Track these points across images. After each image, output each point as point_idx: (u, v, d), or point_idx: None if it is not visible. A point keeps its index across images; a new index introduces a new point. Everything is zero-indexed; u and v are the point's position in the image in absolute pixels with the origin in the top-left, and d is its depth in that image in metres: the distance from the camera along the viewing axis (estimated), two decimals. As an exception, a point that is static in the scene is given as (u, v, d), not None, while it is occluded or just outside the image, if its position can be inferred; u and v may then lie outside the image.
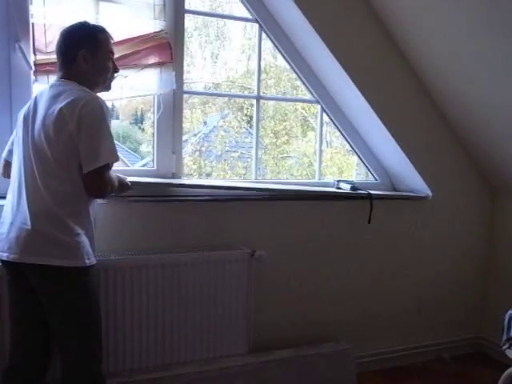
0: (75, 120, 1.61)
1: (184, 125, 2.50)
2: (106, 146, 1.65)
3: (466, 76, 2.57)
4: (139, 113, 2.92)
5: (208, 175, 3.17)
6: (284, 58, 2.70)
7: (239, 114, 3.29)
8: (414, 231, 2.88)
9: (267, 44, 2.71)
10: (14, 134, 1.83)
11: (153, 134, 2.42)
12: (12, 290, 1.77)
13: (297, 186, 2.68)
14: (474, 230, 3.08)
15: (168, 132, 2.40)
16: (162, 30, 2.26)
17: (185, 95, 2.50)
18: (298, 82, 2.85)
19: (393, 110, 2.70)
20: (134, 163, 2.85)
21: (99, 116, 1.65)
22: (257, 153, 2.68)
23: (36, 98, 1.75)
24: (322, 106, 2.80)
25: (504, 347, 2.17)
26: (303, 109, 3.28)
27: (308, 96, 2.82)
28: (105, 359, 2.08)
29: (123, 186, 1.92)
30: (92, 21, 2.14)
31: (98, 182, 1.66)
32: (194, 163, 3.17)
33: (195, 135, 3.35)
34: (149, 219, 2.26)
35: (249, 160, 2.81)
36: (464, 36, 2.38)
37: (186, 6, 2.41)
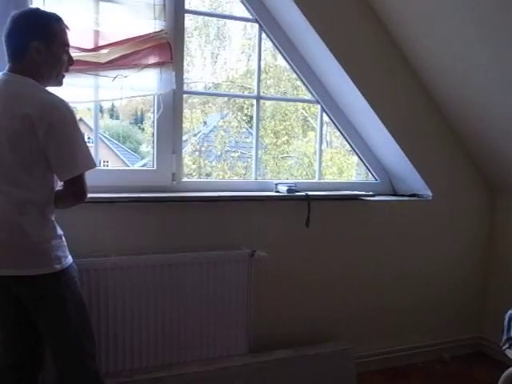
0: (45, 126, 1.54)
1: (184, 125, 2.50)
2: (82, 152, 1.62)
3: (466, 76, 2.57)
4: (139, 113, 2.92)
5: (208, 175, 3.17)
6: (284, 58, 2.70)
7: (239, 113, 3.29)
8: (413, 231, 2.88)
9: (267, 44, 2.72)
10: None
11: (153, 134, 2.42)
12: None
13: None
14: (473, 229, 3.08)
15: (168, 132, 2.40)
16: (161, 30, 2.26)
17: (185, 95, 2.50)
18: (298, 82, 2.85)
19: (393, 110, 2.70)
20: (133, 163, 2.85)
21: (71, 122, 1.60)
22: (257, 153, 2.69)
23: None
24: (321, 106, 2.80)
25: (504, 347, 2.17)
26: (303, 109, 3.28)
27: (308, 96, 2.83)
28: (105, 359, 2.09)
29: None
30: (92, 21, 2.15)
31: (78, 189, 1.63)
32: (193, 163, 3.18)
33: (195, 135, 3.35)
34: (149, 219, 2.26)
35: (249, 160, 2.81)
36: (464, 36, 2.38)
37: (186, 6, 2.41)
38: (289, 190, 2.49)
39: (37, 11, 1.69)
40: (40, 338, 1.75)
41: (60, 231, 1.70)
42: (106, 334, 2.08)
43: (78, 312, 1.70)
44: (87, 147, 1.65)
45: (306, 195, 2.49)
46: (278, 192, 2.56)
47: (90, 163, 1.64)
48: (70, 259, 1.72)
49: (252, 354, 2.36)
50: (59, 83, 1.75)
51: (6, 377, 1.74)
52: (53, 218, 1.68)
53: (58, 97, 1.62)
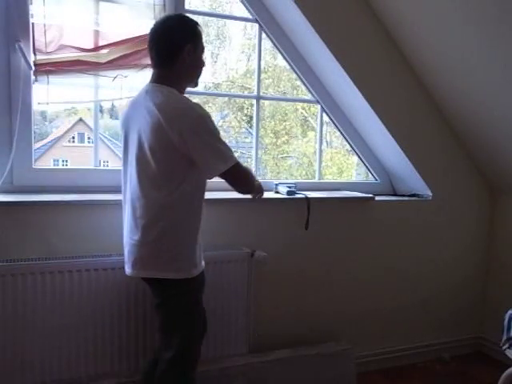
0: (179, 129, 1.61)
1: (184, 125, 2.50)
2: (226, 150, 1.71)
3: (466, 76, 2.57)
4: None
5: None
6: (284, 57, 2.70)
7: (239, 113, 3.29)
8: (414, 231, 2.88)
9: (267, 44, 2.72)
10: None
11: (153, 134, 2.41)
12: None
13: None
14: (473, 229, 3.08)
15: (168, 132, 2.39)
16: (162, 30, 2.26)
17: (185, 95, 2.50)
18: (298, 82, 2.85)
19: (393, 110, 2.70)
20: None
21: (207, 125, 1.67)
22: (257, 153, 2.69)
23: (133, 103, 1.78)
24: (322, 106, 2.80)
25: (504, 347, 2.17)
26: (303, 109, 3.28)
27: (308, 96, 2.83)
28: (104, 359, 2.09)
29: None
30: (92, 21, 2.16)
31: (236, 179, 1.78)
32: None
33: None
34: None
35: (249, 160, 2.81)
36: (464, 36, 2.38)
37: (186, 6, 2.41)
38: (289, 192, 2.49)
39: (184, 16, 1.83)
40: None
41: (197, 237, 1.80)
42: (105, 334, 2.08)
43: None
44: (225, 146, 1.70)
45: (306, 198, 2.46)
46: (278, 193, 2.56)
47: (234, 158, 1.72)
48: (198, 269, 1.81)
49: (252, 353, 2.36)
50: (196, 85, 1.87)
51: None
52: (192, 223, 1.78)
53: (195, 105, 1.69)
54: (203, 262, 1.83)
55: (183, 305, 1.77)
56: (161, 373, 1.78)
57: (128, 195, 1.76)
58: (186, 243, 1.73)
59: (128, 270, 1.78)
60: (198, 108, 1.66)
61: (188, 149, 1.63)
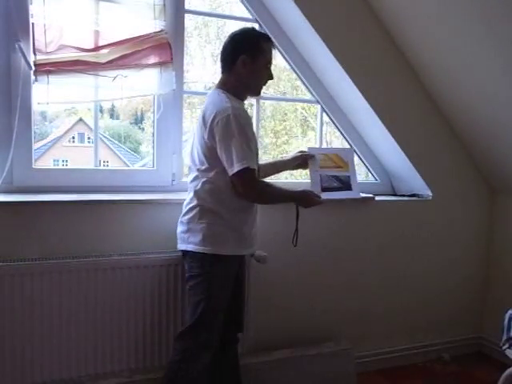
0: (210, 130, 1.84)
1: (184, 125, 2.50)
2: (236, 154, 1.80)
3: (466, 76, 2.57)
4: (139, 113, 2.91)
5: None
6: (284, 58, 2.70)
7: (239, 113, 3.28)
8: (414, 231, 2.88)
9: (267, 44, 2.71)
10: None
11: (153, 134, 2.42)
12: None
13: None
14: (473, 229, 3.08)
15: (168, 132, 2.40)
16: (162, 30, 2.26)
17: (185, 95, 2.50)
18: (298, 82, 2.85)
19: (393, 110, 2.70)
20: (133, 163, 2.85)
21: (229, 128, 1.80)
22: (257, 153, 2.68)
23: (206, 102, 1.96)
24: (321, 106, 2.80)
25: (504, 347, 2.16)
26: (303, 109, 3.28)
27: (308, 96, 2.83)
28: (104, 359, 2.09)
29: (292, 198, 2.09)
30: (92, 21, 2.16)
31: (239, 185, 1.85)
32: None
33: (195, 135, 3.34)
34: (148, 220, 2.26)
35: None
36: (464, 35, 2.38)
37: (186, 6, 2.41)
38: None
39: (250, 30, 2.01)
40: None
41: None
42: (104, 334, 2.08)
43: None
44: (244, 150, 1.81)
45: (296, 209, 2.16)
46: None
47: (249, 163, 1.81)
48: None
49: (252, 353, 2.36)
50: (258, 94, 2.04)
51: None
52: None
53: (233, 106, 1.84)
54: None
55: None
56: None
57: None
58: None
59: None
60: (230, 109, 1.81)
61: (215, 145, 1.84)
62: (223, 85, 1.95)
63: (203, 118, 1.88)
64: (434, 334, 3.00)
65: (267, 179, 2.18)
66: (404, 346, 2.91)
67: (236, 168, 1.80)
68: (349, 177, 2.38)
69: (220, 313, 1.94)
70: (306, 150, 2.38)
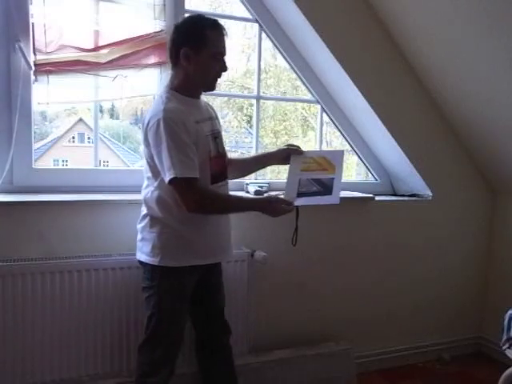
0: (144, 134, 1.74)
1: (184, 125, 2.49)
2: (168, 161, 1.66)
3: (466, 76, 2.57)
4: (139, 113, 2.91)
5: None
6: (284, 58, 2.70)
7: (239, 113, 3.28)
8: (413, 231, 2.88)
9: (267, 44, 2.71)
10: None
11: (153, 134, 2.41)
12: None
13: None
14: (474, 230, 3.08)
15: (168, 132, 2.39)
16: (161, 30, 2.26)
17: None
18: (298, 82, 2.85)
19: (393, 110, 2.70)
20: (133, 163, 2.85)
21: (161, 132, 1.65)
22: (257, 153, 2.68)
23: None
24: (322, 106, 2.80)
25: (504, 347, 2.16)
26: (303, 109, 3.27)
27: (308, 96, 2.83)
28: (104, 359, 2.09)
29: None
30: (92, 21, 2.15)
31: (178, 196, 1.70)
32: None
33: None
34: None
35: (249, 160, 2.81)
36: (464, 35, 2.38)
37: (186, 6, 2.41)
38: (256, 192, 2.40)
39: (193, 18, 1.77)
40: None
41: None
42: (105, 334, 2.08)
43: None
44: (176, 157, 1.64)
45: (296, 208, 1.99)
46: (248, 193, 2.48)
47: (177, 172, 1.64)
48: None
49: (252, 353, 2.36)
50: (211, 88, 1.81)
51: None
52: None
53: (165, 108, 1.68)
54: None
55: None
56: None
57: None
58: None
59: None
60: (162, 112, 1.65)
61: (151, 152, 1.71)
62: (171, 83, 1.79)
63: (143, 123, 1.77)
64: (433, 334, 3.00)
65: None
66: (404, 345, 2.91)
67: (167, 178, 1.65)
68: (333, 179, 2.03)
69: (174, 327, 1.82)
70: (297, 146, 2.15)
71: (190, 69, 1.72)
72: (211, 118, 1.87)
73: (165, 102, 1.70)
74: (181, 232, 1.77)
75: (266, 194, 2.29)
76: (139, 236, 1.86)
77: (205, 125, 1.79)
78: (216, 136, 1.85)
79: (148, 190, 1.80)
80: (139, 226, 1.86)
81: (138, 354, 1.87)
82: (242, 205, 1.89)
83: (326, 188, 2.02)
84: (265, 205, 1.87)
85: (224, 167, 1.90)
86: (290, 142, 2.87)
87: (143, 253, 1.83)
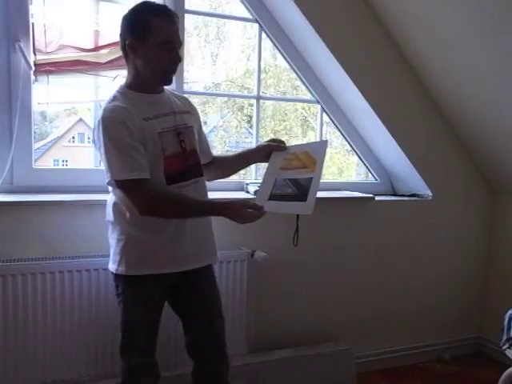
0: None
1: (184, 125, 2.50)
2: (109, 163, 1.57)
3: (466, 76, 2.57)
4: (139, 113, 2.91)
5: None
6: (284, 58, 2.70)
7: (239, 113, 3.28)
8: (414, 231, 2.88)
9: (267, 44, 2.71)
10: None
11: (153, 134, 2.41)
12: None
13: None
14: (474, 230, 3.08)
15: (168, 132, 2.39)
16: (161, 30, 2.25)
17: (184, 95, 2.50)
18: (298, 82, 2.85)
19: (393, 109, 2.70)
20: (133, 163, 2.85)
21: (101, 132, 1.56)
22: (257, 153, 2.67)
23: None
24: (322, 106, 2.80)
25: (504, 347, 2.17)
26: (303, 109, 3.27)
27: (308, 96, 2.83)
28: (105, 359, 2.09)
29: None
30: (92, 21, 2.15)
31: (127, 197, 1.61)
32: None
33: (195, 135, 3.33)
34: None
35: (249, 160, 2.80)
36: (464, 36, 2.38)
37: (186, 6, 2.41)
38: (256, 192, 2.33)
39: (138, 7, 1.60)
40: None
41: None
42: (105, 334, 2.08)
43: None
44: (117, 158, 1.55)
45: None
46: (248, 193, 2.48)
47: (116, 174, 1.55)
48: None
49: (252, 353, 2.36)
50: (166, 82, 1.67)
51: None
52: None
53: (105, 107, 1.60)
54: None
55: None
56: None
57: None
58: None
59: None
60: (102, 112, 1.57)
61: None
62: (126, 79, 1.67)
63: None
64: (434, 334, 3.00)
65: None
66: (404, 346, 2.91)
67: (106, 180, 1.59)
68: (311, 179, 1.75)
69: (142, 337, 1.72)
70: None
71: (137, 62, 1.59)
72: (174, 113, 1.70)
73: (108, 101, 1.61)
74: (136, 237, 1.66)
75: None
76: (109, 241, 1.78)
77: (159, 121, 1.64)
78: (180, 132, 1.69)
79: (109, 194, 1.74)
80: (108, 232, 1.78)
81: (121, 361, 1.76)
82: (198, 206, 1.68)
83: (301, 191, 1.75)
84: (224, 208, 1.66)
85: (188, 166, 1.71)
86: (290, 141, 2.86)
87: (110, 260, 1.75)
